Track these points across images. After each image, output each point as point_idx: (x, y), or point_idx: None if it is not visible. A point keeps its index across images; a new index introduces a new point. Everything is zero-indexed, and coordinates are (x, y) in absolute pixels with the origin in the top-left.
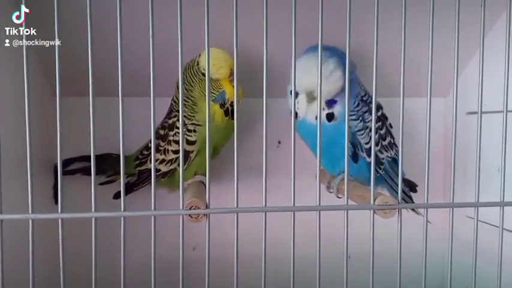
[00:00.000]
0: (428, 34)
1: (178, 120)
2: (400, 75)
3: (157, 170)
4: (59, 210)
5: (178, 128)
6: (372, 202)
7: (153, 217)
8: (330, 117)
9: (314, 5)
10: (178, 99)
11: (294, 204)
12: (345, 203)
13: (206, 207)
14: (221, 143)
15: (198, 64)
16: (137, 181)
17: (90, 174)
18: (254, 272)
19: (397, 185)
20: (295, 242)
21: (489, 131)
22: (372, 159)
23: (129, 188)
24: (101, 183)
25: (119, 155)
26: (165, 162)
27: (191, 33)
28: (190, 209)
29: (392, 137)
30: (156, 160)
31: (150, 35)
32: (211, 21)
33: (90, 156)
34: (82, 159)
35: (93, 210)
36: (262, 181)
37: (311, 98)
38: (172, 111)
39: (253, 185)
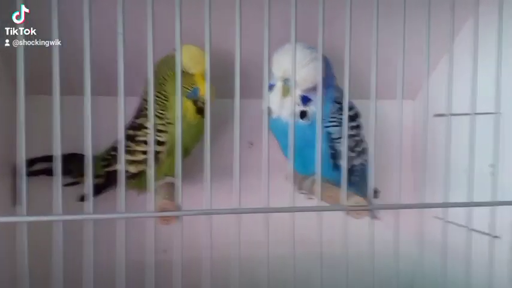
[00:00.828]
0: (403, 38)
1: (147, 120)
2: (369, 76)
3: (126, 172)
4: (24, 213)
5: (147, 128)
6: (344, 203)
7: (123, 220)
8: (303, 114)
9: (288, 4)
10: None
11: (268, 206)
12: (318, 204)
13: (178, 209)
14: (192, 143)
15: (172, 59)
16: (105, 183)
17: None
18: (226, 273)
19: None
20: (282, 243)
21: (456, 133)
22: (344, 162)
23: (97, 190)
24: (66, 185)
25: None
26: (135, 164)
27: (162, 32)
28: (161, 211)
29: (365, 142)
30: (125, 161)
31: (119, 31)
32: (184, 19)
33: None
34: (46, 159)
35: (60, 211)
36: (233, 182)
37: (287, 89)
38: (141, 111)
39: (224, 186)
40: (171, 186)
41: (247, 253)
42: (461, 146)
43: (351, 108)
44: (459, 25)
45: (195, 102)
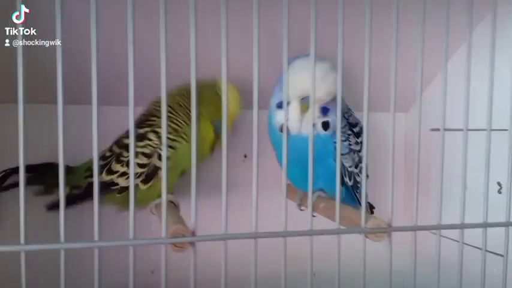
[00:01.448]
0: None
1: (152, 131)
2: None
3: (114, 184)
4: (22, 241)
5: (150, 140)
6: (363, 225)
7: (131, 248)
8: (326, 126)
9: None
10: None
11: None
12: (337, 226)
13: (192, 235)
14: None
15: (215, 86)
16: (83, 194)
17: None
18: None
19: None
20: (271, 264)
21: (453, 148)
22: (363, 182)
23: (71, 201)
24: (37, 194)
25: (65, 166)
26: (126, 176)
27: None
28: (174, 237)
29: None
30: (115, 172)
31: (129, 41)
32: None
33: (30, 166)
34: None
35: (62, 240)
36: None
37: (304, 105)
38: (146, 120)
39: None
40: (173, 206)
41: (260, 274)
42: (460, 162)
43: (356, 123)
44: (459, 42)
45: (215, 130)
